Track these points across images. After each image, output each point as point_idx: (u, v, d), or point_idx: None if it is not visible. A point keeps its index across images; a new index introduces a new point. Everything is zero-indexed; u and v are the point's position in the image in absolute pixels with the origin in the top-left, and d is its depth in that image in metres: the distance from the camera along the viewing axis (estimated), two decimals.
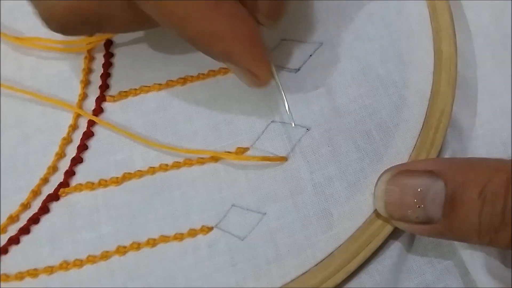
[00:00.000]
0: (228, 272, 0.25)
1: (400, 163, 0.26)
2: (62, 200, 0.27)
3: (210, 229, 0.26)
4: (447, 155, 0.27)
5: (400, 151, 0.27)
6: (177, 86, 0.29)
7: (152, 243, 0.26)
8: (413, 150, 0.27)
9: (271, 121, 0.28)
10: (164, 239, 0.26)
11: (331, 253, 0.26)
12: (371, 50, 0.29)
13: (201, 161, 0.27)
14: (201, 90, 0.29)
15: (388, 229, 0.26)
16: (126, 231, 0.26)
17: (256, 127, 0.28)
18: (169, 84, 0.29)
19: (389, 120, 0.28)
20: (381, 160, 0.27)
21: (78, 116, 0.29)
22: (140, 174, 0.27)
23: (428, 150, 0.27)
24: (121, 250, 0.26)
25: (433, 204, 0.23)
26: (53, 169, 0.28)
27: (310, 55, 0.30)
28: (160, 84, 0.29)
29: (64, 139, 0.28)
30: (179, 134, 0.28)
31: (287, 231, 0.26)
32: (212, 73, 0.29)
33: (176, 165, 0.27)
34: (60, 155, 0.28)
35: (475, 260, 0.25)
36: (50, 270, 0.26)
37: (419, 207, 0.23)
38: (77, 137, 0.28)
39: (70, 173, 0.27)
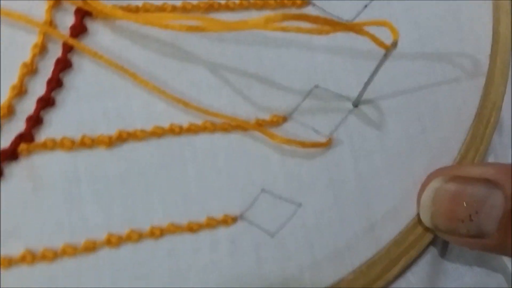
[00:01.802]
0: (253, 276, 0.21)
1: (448, 159, 0.24)
2: (22, 161, 0.19)
3: (234, 219, 0.20)
4: (491, 155, 0.25)
5: (450, 144, 0.24)
6: (197, 12, 0.21)
7: (157, 233, 0.20)
8: (462, 145, 0.24)
9: (315, 86, 0.22)
10: (174, 229, 0.20)
11: (371, 258, 0.22)
12: (432, 15, 0.25)
13: (226, 128, 0.21)
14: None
15: (431, 234, 0.23)
16: (121, 214, 0.20)
17: (296, 90, 0.22)
18: (186, 7, 0.21)
19: (443, 107, 0.24)
20: (431, 152, 0.24)
21: (47, 32, 0.19)
22: (141, 135, 0.20)
23: (477, 147, 0.24)
24: (114, 241, 0.19)
25: (488, 218, 0.21)
26: (8, 110, 0.18)
27: (365, 6, 0.23)
28: (173, 6, 0.21)
29: (25, 65, 0.19)
30: (198, 83, 0.21)
31: (325, 229, 0.22)
32: (246, 3, 0.22)
33: (193, 129, 0.20)
34: (20, 90, 0.19)
35: None
36: (6, 262, 0.18)
37: (471, 220, 0.21)
38: (47, 66, 0.19)
39: (35, 121, 0.19)
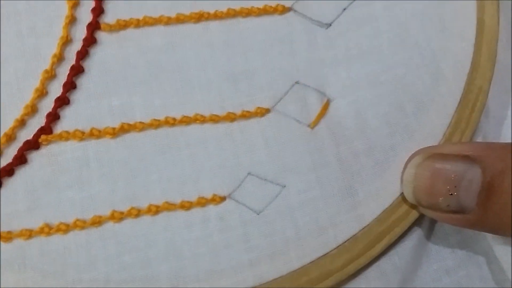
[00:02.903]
0: (240, 249, 0.23)
1: (433, 143, 0.25)
2: (43, 149, 0.23)
3: (222, 199, 0.23)
4: (479, 138, 0.25)
5: (434, 129, 0.25)
6: (189, 22, 0.24)
7: (154, 210, 0.22)
8: (447, 128, 0.25)
9: (296, 82, 0.24)
10: (169, 206, 0.23)
11: (354, 235, 0.23)
12: (413, 11, 0.26)
13: (215, 119, 0.23)
14: (218, 32, 0.25)
15: (416, 213, 0.24)
16: (123, 193, 0.23)
17: (279, 86, 0.24)
18: (179, 18, 0.24)
19: (424, 94, 0.25)
20: (413, 137, 0.25)
21: (64, 43, 0.23)
22: (141, 126, 0.23)
23: (462, 130, 0.25)
24: (117, 216, 0.22)
25: (467, 192, 0.21)
26: (32, 109, 0.23)
27: (344, 9, 0.26)
28: (169, 17, 0.24)
29: (46, 72, 0.23)
30: (190, 82, 0.24)
31: (309, 208, 0.23)
32: (232, 12, 0.25)
33: (185, 120, 0.23)
34: (42, 92, 0.23)
35: (506, 245, 0.23)
36: (28, 234, 0.21)
37: (451, 194, 0.22)
38: (63, 72, 0.23)
39: (54, 117, 0.23)
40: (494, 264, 0.24)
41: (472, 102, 0.25)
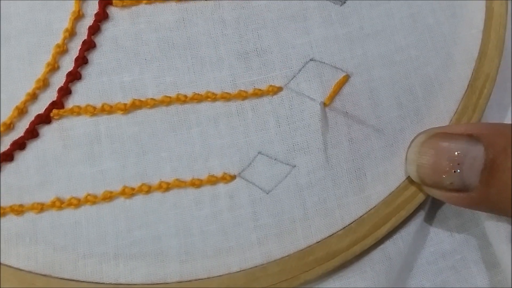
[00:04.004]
0: (249, 227, 0.23)
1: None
2: (54, 124, 0.23)
3: (232, 177, 0.23)
4: None
5: (442, 113, 0.26)
6: None
7: (164, 187, 0.23)
8: (454, 114, 0.26)
9: (310, 59, 0.24)
10: (179, 183, 0.23)
11: (361, 216, 0.24)
12: None
13: (226, 97, 0.23)
14: (231, 9, 0.25)
15: (422, 196, 0.25)
16: (134, 169, 0.23)
17: (292, 64, 0.25)
18: None
19: (435, 78, 0.26)
20: (422, 121, 0.25)
21: (76, 18, 0.23)
22: (152, 103, 0.23)
23: (470, 116, 0.26)
24: (128, 192, 0.22)
25: (470, 170, 0.22)
26: (44, 83, 0.23)
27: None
28: None
29: (58, 46, 0.23)
30: (201, 59, 0.24)
31: (317, 188, 0.24)
32: None
33: (197, 98, 0.23)
34: (53, 66, 0.23)
35: (499, 230, 0.24)
36: (39, 207, 0.22)
37: (455, 172, 0.22)
38: (75, 46, 0.23)
39: (65, 91, 0.22)
40: (488, 249, 0.25)
41: (479, 88, 0.26)
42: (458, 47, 0.26)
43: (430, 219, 0.26)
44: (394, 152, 0.25)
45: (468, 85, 0.26)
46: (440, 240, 0.25)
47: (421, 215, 0.25)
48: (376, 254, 0.24)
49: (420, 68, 0.25)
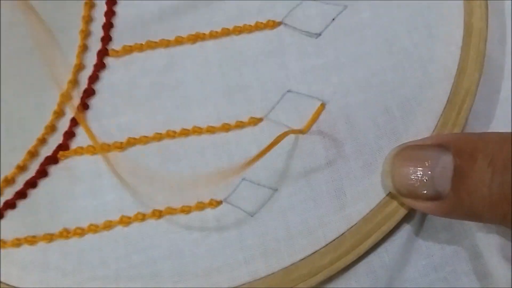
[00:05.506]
0: (236, 248, 0.25)
1: None
2: (61, 164, 0.26)
3: (218, 203, 0.25)
4: None
5: (421, 131, 0.26)
6: (187, 43, 0.27)
7: (157, 214, 0.25)
8: (434, 131, 0.26)
9: (287, 91, 0.26)
10: (171, 211, 0.25)
11: (343, 233, 0.25)
12: (399, 18, 0.27)
13: (211, 130, 0.26)
14: (214, 50, 0.27)
15: (402, 212, 0.26)
16: (131, 200, 0.25)
17: (271, 96, 0.26)
18: (178, 40, 0.27)
19: (412, 98, 0.27)
20: (400, 139, 0.26)
21: (78, 70, 0.26)
22: (145, 140, 0.26)
23: (450, 131, 0.26)
24: (125, 220, 0.25)
25: (441, 177, 0.23)
26: (51, 129, 0.26)
27: (333, 19, 0.27)
28: (168, 40, 0.27)
29: (63, 96, 0.26)
30: (189, 98, 0.27)
31: (299, 209, 0.25)
32: (226, 31, 0.27)
33: (184, 133, 0.26)
34: (59, 113, 0.26)
35: (489, 241, 0.24)
36: (49, 237, 0.25)
37: (426, 180, 0.23)
38: (77, 94, 0.26)
39: (70, 135, 0.26)
40: (479, 260, 0.25)
41: (459, 104, 0.26)
42: (435, 65, 0.27)
43: (420, 232, 0.26)
44: (373, 171, 0.26)
45: (447, 101, 0.26)
46: (431, 253, 0.26)
47: (407, 229, 0.26)
48: (361, 267, 0.25)
49: (396, 90, 0.27)
